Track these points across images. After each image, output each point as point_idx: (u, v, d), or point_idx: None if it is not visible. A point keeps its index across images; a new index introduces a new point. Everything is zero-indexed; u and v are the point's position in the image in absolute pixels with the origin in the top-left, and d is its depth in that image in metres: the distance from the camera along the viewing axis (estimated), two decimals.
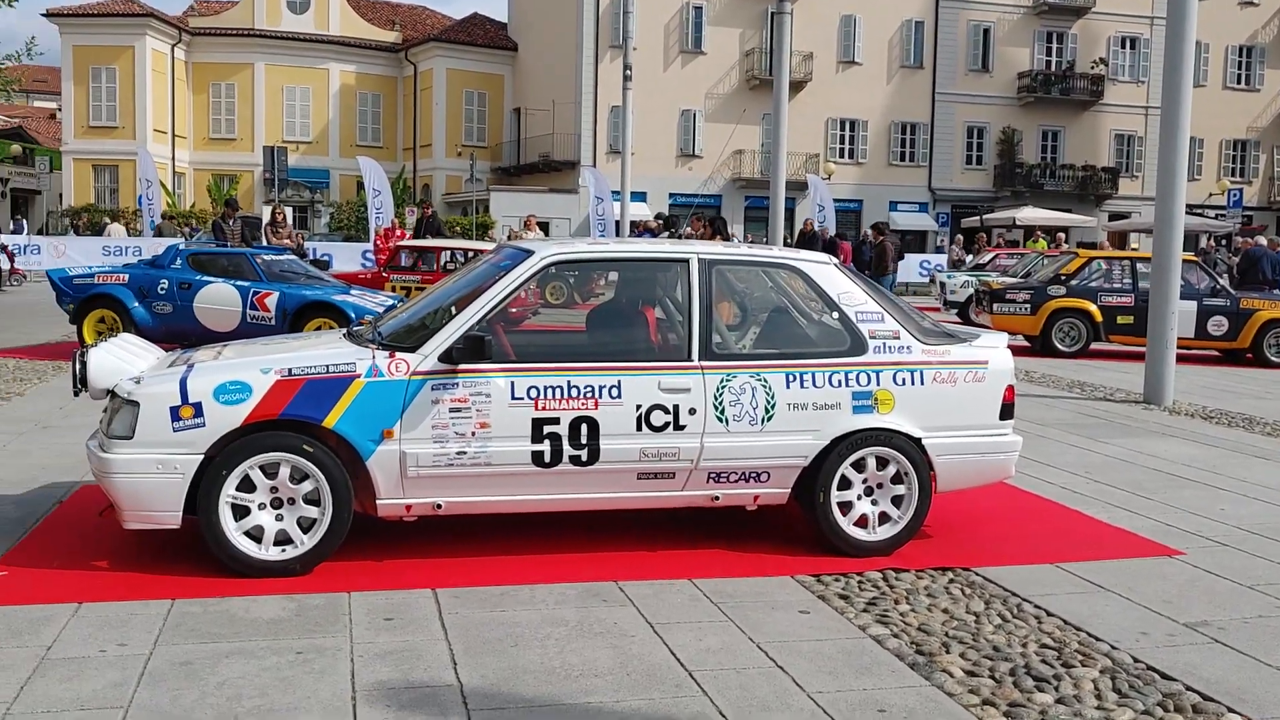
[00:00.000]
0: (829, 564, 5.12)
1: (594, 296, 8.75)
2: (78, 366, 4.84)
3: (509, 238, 35.93)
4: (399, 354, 4.81)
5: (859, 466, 5.26)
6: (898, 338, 5.36)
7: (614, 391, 4.94)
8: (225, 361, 4.90)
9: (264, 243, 15.85)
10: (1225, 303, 14.95)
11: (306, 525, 4.71)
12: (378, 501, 4.79)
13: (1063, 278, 15.30)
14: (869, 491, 5.32)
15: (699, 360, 5.09)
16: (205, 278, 11.44)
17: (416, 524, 5.13)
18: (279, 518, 4.69)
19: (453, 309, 5.05)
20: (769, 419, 5.11)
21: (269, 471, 4.66)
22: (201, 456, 4.57)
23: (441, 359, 4.79)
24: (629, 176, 28.57)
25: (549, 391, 4.87)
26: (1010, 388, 5.51)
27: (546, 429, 4.86)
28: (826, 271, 5.42)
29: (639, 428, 4.96)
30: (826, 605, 4.58)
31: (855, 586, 4.86)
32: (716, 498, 5.19)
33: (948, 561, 5.22)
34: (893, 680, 3.82)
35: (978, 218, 37.25)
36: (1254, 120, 48.82)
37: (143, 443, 4.54)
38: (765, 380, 5.13)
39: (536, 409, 4.85)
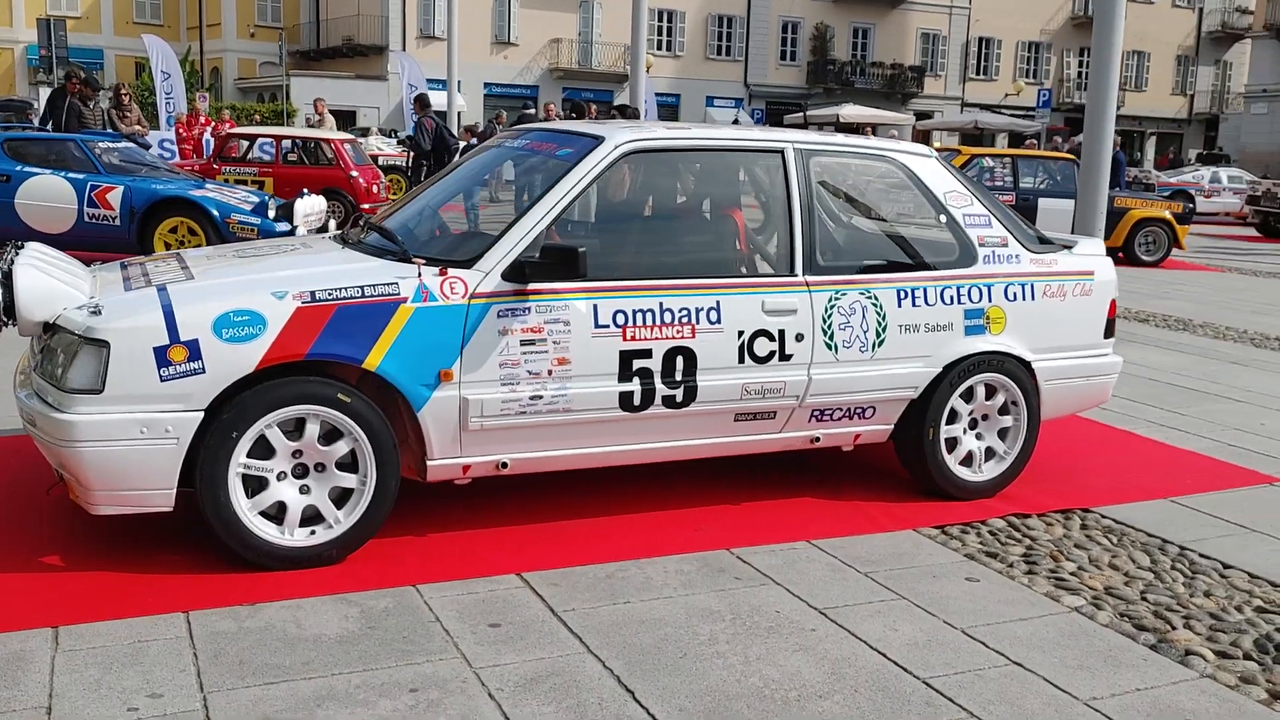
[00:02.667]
0: (941, 512, 4.38)
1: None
2: (1, 291, 3.48)
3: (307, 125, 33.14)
4: (451, 270, 3.67)
5: (966, 396, 4.51)
6: (1006, 245, 4.59)
7: (713, 315, 3.97)
8: (211, 282, 3.64)
9: (100, 128, 12.08)
10: None
11: (338, 498, 3.58)
12: (428, 463, 3.69)
13: None
14: (973, 424, 4.59)
15: (804, 275, 4.18)
16: (29, 169, 9.49)
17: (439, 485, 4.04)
18: (304, 490, 3.54)
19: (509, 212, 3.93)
20: (880, 344, 4.28)
21: (290, 431, 3.49)
22: (202, 414, 3.35)
23: (508, 276, 3.69)
24: (456, 64, 26.74)
25: (638, 317, 3.86)
26: (1114, 302, 4.86)
27: (637, 364, 3.86)
28: (930, 166, 4.56)
29: (741, 359, 4.03)
30: (984, 568, 3.85)
31: (991, 539, 4.14)
32: (817, 439, 4.34)
33: (1062, 502, 4.57)
34: (1156, 674, 3.11)
35: (801, 114, 37.10)
36: (1046, 23, 50.58)
37: (117, 398, 3.27)
38: (876, 298, 4.27)
39: (625, 339, 3.83)
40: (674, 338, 3.90)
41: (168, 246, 9.31)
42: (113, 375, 3.26)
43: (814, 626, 3.30)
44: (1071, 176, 15.12)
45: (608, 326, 3.80)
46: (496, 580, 3.51)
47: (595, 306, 3.79)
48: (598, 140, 4.00)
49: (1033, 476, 4.83)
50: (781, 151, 4.26)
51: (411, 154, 15.23)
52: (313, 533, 3.53)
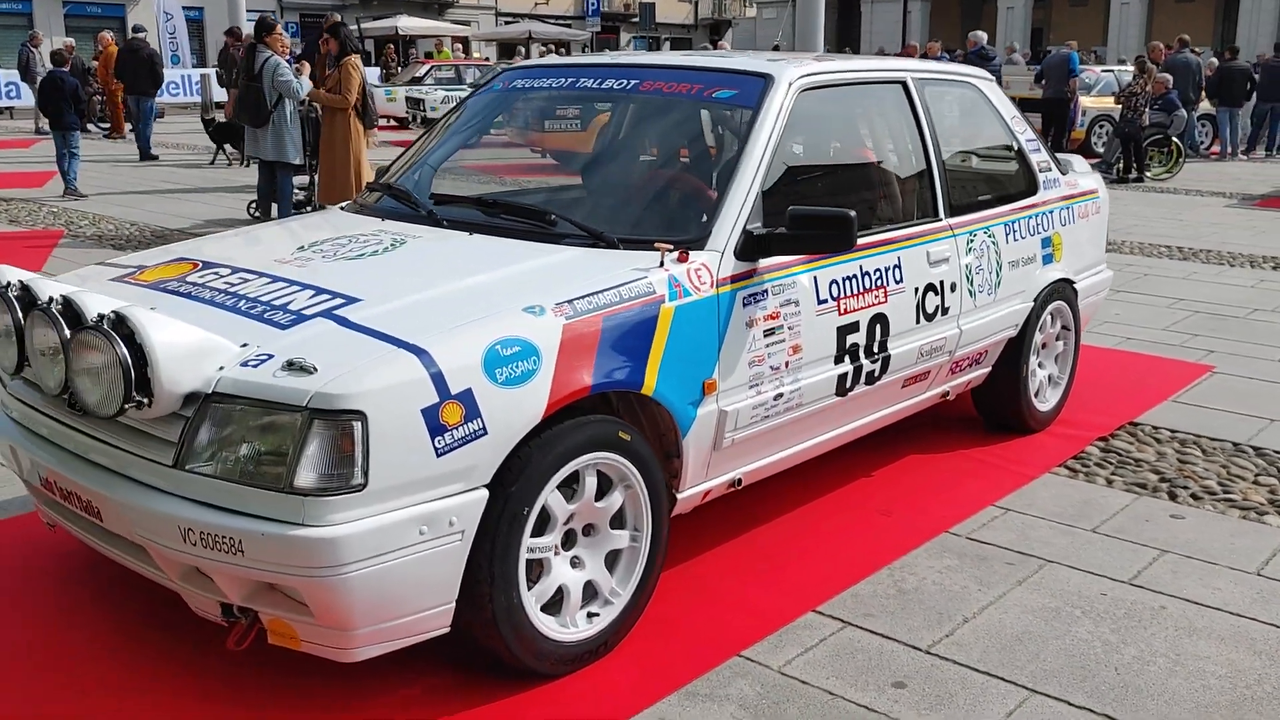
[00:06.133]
0: (1037, 449, 4.29)
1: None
2: (123, 352, 2.22)
3: None
4: (692, 254, 2.89)
5: (1041, 327, 4.41)
6: (1050, 170, 4.50)
7: (897, 274, 3.51)
8: (424, 296, 2.58)
9: None
10: None
11: (609, 563, 2.76)
12: (678, 496, 2.94)
13: None
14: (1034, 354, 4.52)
15: (947, 218, 3.81)
16: None
17: None
18: (575, 562, 2.68)
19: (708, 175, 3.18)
20: (999, 284, 4.04)
21: (566, 491, 2.60)
22: (486, 491, 2.38)
23: (740, 254, 2.98)
24: None
25: (847, 285, 3.31)
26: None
27: (849, 340, 3.32)
28: (995, 89, 4.33)
29: (918, 319, 3.61)
30: (1166, 503, 3.81)
31: (1124, 470, 4.11)
32: (947, 394, 4.04)
33: (1113, 420, 4.64)
34: None
35: (355, 27, 35.03)
36: None
37: (386, 490, 2.22)
38: (994, 236, 4.02)
39: (840, 313, 3.27)
40: (873, 304, 3.40)
41: None
42: (376, 460, 2.20)
43: (1162, 605, 3.06)
44: None
45: (827, 301, 3.22)
46: (807, 625, 2.90)
47: (815, 279, 3.18)
48: (766, 78, 3.31)
49: None
50: (904, 82, 3.81)
51: None
52: (592, 615, 2.69)
